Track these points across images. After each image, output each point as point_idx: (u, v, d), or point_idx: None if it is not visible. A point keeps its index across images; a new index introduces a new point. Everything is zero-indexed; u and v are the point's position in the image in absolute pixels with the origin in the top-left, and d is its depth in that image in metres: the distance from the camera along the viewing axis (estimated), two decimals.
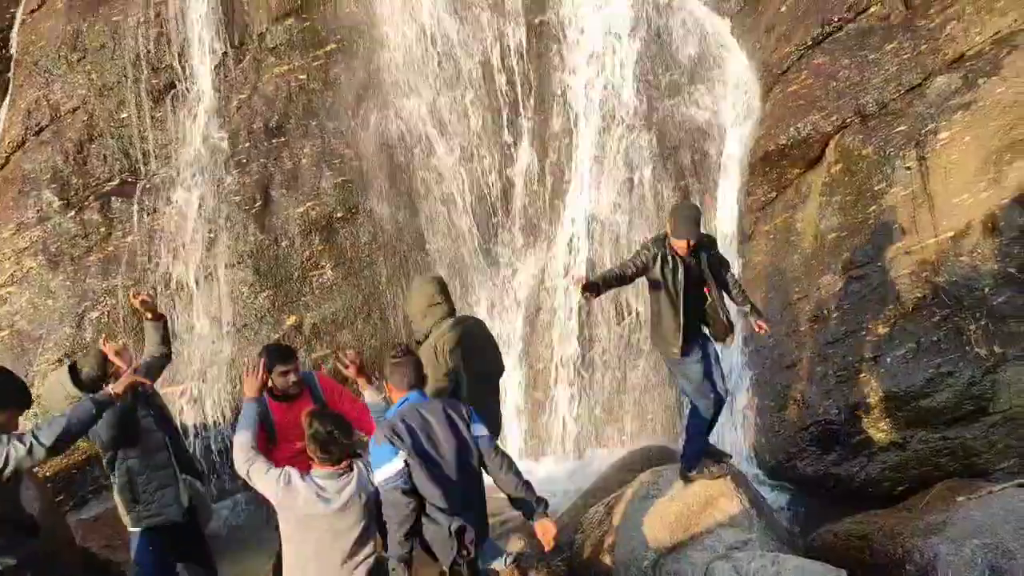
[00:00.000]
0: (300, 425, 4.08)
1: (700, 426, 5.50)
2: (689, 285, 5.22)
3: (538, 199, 8.51)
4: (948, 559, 4.68)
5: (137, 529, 4.79)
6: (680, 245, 5.14)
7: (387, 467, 3.94)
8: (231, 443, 4.18)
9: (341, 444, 3.83)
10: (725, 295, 5.48)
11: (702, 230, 5.31)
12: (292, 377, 4.88)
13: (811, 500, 6.68)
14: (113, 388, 4.13)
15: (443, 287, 5.25)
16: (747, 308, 5.53)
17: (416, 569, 4.12)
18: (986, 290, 6.01)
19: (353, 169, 8.41)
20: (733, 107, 8.07)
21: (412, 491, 3.96)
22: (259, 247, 8.12)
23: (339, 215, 8.29)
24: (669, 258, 5.17)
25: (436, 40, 8.66)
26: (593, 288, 4.96)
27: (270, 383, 4.82)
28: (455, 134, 8.63)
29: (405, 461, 3.95)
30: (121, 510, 4.79)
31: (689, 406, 5.69)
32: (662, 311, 5.30)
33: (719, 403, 5.59)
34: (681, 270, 5.18)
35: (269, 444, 4.66)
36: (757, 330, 5.50)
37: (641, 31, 8.31)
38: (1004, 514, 4.90)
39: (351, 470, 3.89)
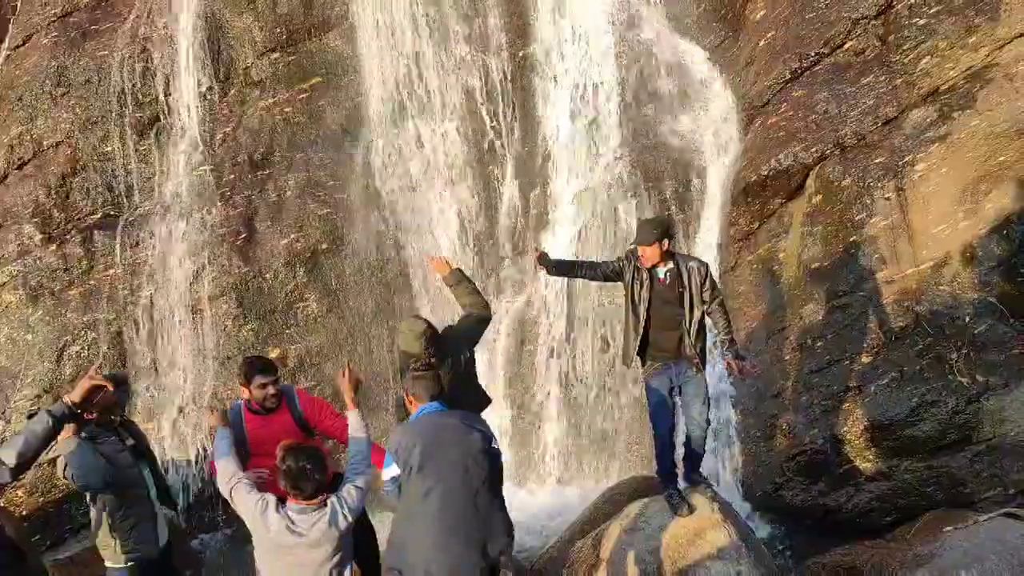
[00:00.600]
0: (277, 439, 4.18)
1: (661, 445, 5.58)
2: (657, 301, 5.31)
3: (522, 231, 8.55)
4: None
5: (115, 566, 4.70)
6: (642, 255, 5.27)
7: (390, 471, 4.09)
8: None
9: (314, 480, 3.78)
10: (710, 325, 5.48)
11: (687, 252, 5.38)
12: (271, 390, 4.89)
13: (799, 531, 6.65)
14: (69, 397, 4.05)
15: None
16: (724, 341, 5.41)
17: None
18: (967, 319, 6.08)
19: (338, 201, 8.43)
20: (715, 139, 8.18)
21: None
22: (243, 279, 8.09)
23: (324, 247, 8.28)
24: (636, 270, 5.35)
25: (420, 73, 8.74)
26: (547, 262, 5.40)
27: (248, 396, 4.85)
28: (439, 167, 8.67)
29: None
30: (99, 546, 4.71)
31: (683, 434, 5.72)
32: (627, 323, 5.45)
33: (697, 438, 5.62)
34: (647, 284, 5.30)
35: (244, 458, 4.60)
36: (726, 368, 5.47)
37: (624, 64, 8.43)
38: (991, 544, 4.91)
39: (324, 506, 3.84)
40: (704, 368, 5.50)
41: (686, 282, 5.33)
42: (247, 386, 4.90)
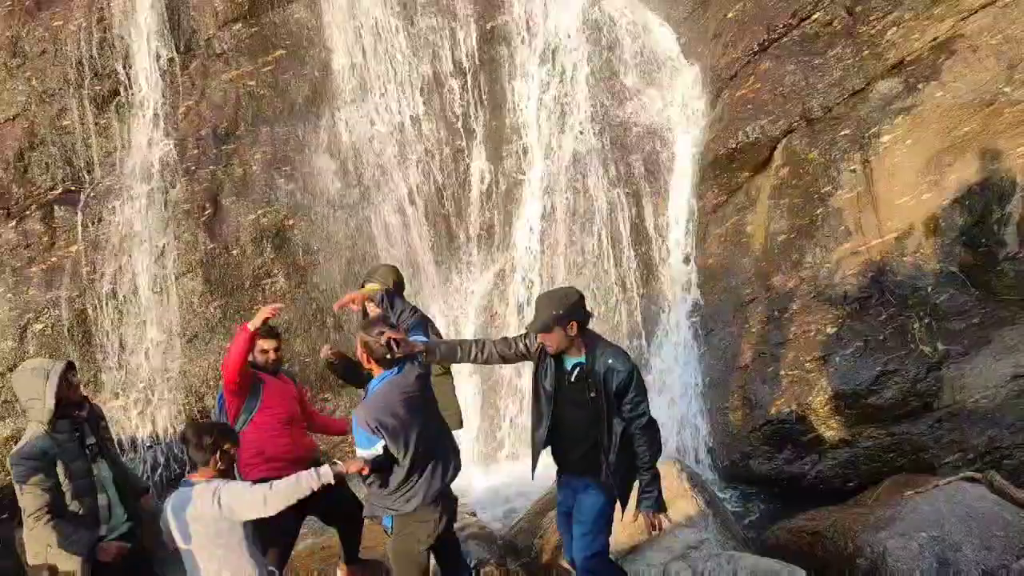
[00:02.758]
0: (287, 399, 4.92)
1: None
2: (564, 402, 4.18)
3: (492, 205, 8.51)
4: (897, 553, 4.80)
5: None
6: (543, 340, 4.11)
7: (367, 452, 4.01)
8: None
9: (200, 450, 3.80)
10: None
11: (609, 340, 4.26)
12: (271, 355, 5.02)
13: (765, 499, 6.79)
14: None
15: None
16: (643, 479, 4.17)
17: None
18: (929, 289, 6.18)
19: (304, 176, 8.32)
20: (683, 111, 8.18)
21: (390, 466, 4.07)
22: (209, 256, 7.97)
23: (290, 222, 8.18)
24: (543, 354, 4.19)
25: (387, 45, 8.62)
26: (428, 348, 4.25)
27: (251, 357, 4.91)
28: (407, 140, 8.58)
29: (384, 447, 4.00)
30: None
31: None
32: (533, 416, 4.35)
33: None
34: (551, 375, 4.17)
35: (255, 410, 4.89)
36: (647, 527, 4.28)
37: (592, 36, 8.38)
38: (951, 507, 5.04)
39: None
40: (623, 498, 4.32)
41: (600, 385, 4.05)
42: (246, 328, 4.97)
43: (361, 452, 4.06)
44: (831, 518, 5.47)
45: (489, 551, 5.52)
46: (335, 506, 4.94)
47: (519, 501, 6.94)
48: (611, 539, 4.65)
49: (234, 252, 8.04)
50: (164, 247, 7.96)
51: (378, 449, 4.03)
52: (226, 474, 3.87)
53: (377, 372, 4.21)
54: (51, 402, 4.15)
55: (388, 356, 4.08)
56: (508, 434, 7.96)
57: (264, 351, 5.00)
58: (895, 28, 6.84)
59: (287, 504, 3.80)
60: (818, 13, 7.26)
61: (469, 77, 8.58)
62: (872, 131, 6.67)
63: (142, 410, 7.76)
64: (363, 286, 5.10)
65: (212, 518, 3.73)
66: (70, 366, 4.34)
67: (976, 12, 6.50)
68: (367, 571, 5.28)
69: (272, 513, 3.78)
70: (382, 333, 4.12)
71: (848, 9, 7.16)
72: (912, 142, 6.48)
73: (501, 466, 7.82)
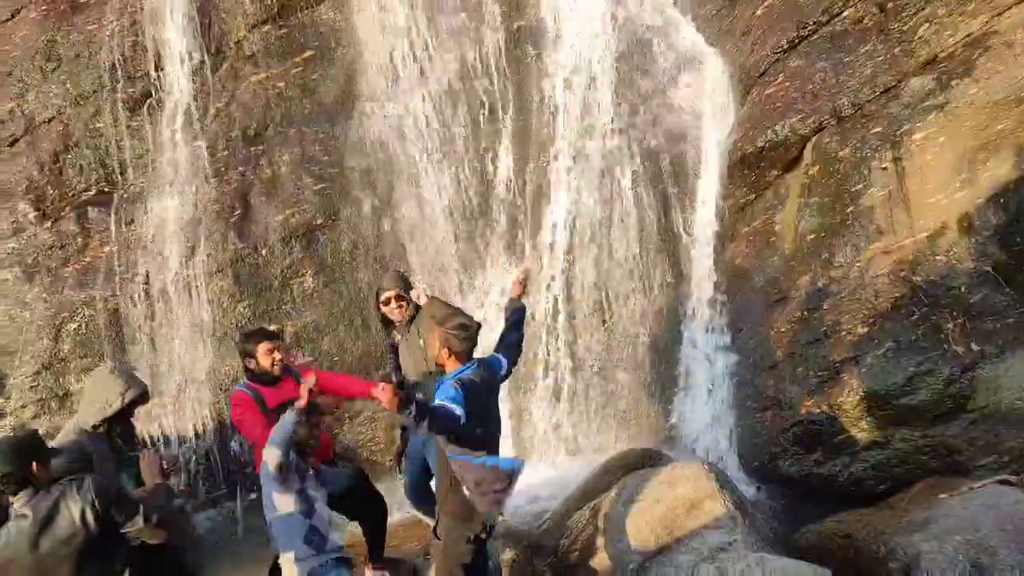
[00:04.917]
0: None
1: None
2: None
3: (519, 204, 8.52)
4: (930, 556, 4.72)
5: None
6: None
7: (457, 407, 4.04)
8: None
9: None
10: None
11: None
12: (277, 355, 4.95)
13: (795, 500, 6.70)
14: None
15: None
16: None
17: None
18: (963, 288, 6.08)
19: (332, 176, 8.39)
20: (711, 110, 8.12)
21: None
22: (239, 255, 8.07)
23: (319, 222, 8.25)
24: None
25: (414, 46, 8.65)
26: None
27: (254, 366, 4.92)
28: (434, 140, 8.62)
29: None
30: None
31: None
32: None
33: None
34: None
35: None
36: None
37: (619, 35, 8.34)
38: (985, 510, 4.95)
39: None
40: None
41: None
42: (254, 356, 4.92)
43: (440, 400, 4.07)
44: (863, 520, 5.40)
45: (516, 550, 5.52)
46: (362, 504, 4.97)
47: (547, 502, 6.93)
48: (636, 539, 4.67)
49: (263, 252, 8.12)
50: (194, 247, 8.07)
51: (455, 408, 4.00)
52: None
53: (451, 367, 4.26)
54: (110, 412, 4.26)
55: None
56: (537, 434, 7.96)
57: (269, 351, 4.92)
58: (927, 24, 6.73)
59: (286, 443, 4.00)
60: (849, 10, 7.17)
61: (496, 77, 8.59)
62: (904, 129, 6.57)
63: (173, 408, 7.87)
64: (378, 294, 5.14)
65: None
66: (145, 395, 4.49)
67: (1011, 8, 6.37)
68: (393, 571, 5.31)
69: (276, 453, 4.00)
70: (463, 326, 4.23)
71: (880, 5, 7.06)
72: (945, 140, 6.38)
73: (532, 463, 7.81)
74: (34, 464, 3.39)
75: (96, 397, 4.37)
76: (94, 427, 4.32)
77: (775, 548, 5.36)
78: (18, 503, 3.35)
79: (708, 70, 8.27)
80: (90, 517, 3.34)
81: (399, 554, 5.53)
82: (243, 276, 8.04)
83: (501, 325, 4.95)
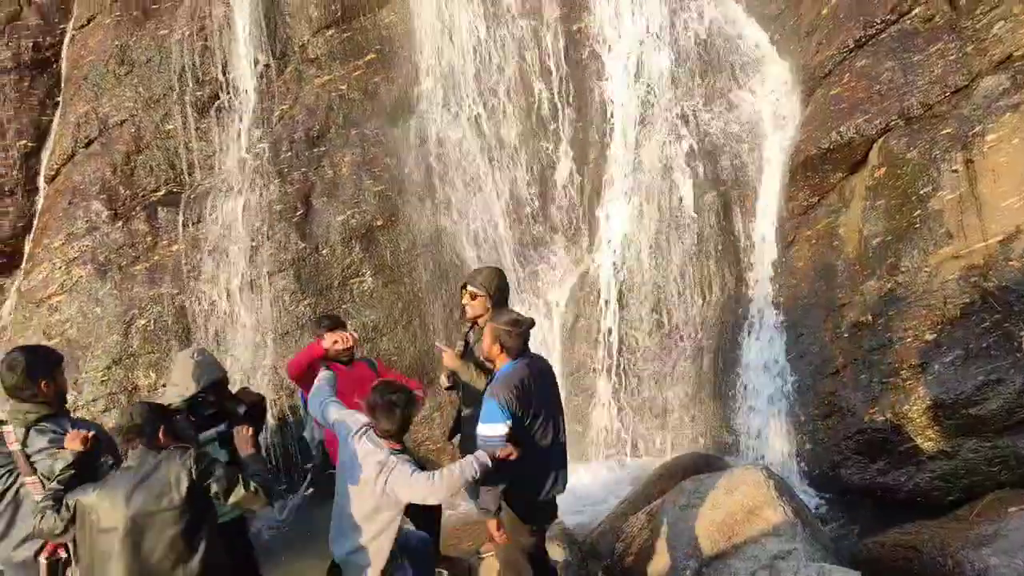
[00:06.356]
0: (356, 385, 4.71)
1: None
2: None
3: (577, 206, 8.51)
4: (1000, 571, 4.58)
5: None
6: None
7: (490, 429, 4.15)
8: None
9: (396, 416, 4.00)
10: None
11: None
12: (339, 345, 5.12)
13: (856, 509, 6.55)
14: None
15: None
16: None
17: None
18: None
19: (392, 177, 8.49)
20: (773, 111, 8.00)
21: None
22: (300, 255, 8.22)
23: (379, 223, 8.36)
24: None
25: (474, 49, 8.72)
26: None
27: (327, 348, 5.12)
28: (493, 142, 8.67)
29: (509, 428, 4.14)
30: None
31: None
32: None
33: None
34: None
35: None
36: None
37: (678, 36, 8.28)
38: None
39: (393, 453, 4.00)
40: None
41: None
42: (319, 342, 5.15)
43: (483, 429, 4.15)
44: (928, 532, 5.26)
45: (571, 553, 5.51)
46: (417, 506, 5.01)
47: (603, 505, 6.91)
48: (693, 544, 4.63)
49: (324, 252, 8.27)
50: (258, 247, 8.25)
51: (502, 429, 4.10)
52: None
53: (502, 362, 4.31)
54: (188, 395, 4.41)
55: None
56: (594, 437, 7.94)
57: (334, 341, 5.13)
58: (1002, 22, 6.53)
59: (453, 492, 4.04)
60: (919, 8, 7.00)
61: (555, 79, 8.60)
62: (976, 130, 6.37)
63: None
64: (464, 287, 5.16)
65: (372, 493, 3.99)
66: (224, 380, 4.64)
67: None
68: (450, 568, 5.34)
69: (437, 501, 4.07)
70: (516, 322, 4.32)
71: (951, 3, 6.88)
72: (1019, 141, 6.16)
73: (589, 466, 7.81)
74: (162, 427, 3.71)
75: (178, 380, 4.54)
76: (175, 408, 4.45)
77: (836, 559, 5.25)
78: (131, 457, 3.67)
79: (770, 71, 8.15)
80: (184, 482, 3.57)
81: (455, 553, 5.57)
82: (304, 275, 8.20)
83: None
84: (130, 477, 3.57)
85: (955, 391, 6.00)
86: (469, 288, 5.01)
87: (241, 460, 4.02)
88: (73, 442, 3.70)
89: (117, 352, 7.92)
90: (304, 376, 5.06)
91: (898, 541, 5.36)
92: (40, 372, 3.98)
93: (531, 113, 8.65)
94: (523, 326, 4.44)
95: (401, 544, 4.16)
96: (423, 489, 3.90)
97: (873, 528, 5.85)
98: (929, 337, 6.23)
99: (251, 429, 4.10)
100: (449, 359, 4.91)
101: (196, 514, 3.61)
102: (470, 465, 3.98)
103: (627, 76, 8.39)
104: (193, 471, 3.57)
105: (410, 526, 4.55)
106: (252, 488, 3.67)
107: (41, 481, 3.85)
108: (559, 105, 8.62)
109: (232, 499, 3.67)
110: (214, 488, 3.62)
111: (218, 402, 4.56)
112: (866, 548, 5.55)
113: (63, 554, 3.84)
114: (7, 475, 3.93)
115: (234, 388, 4.81)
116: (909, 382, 6.25)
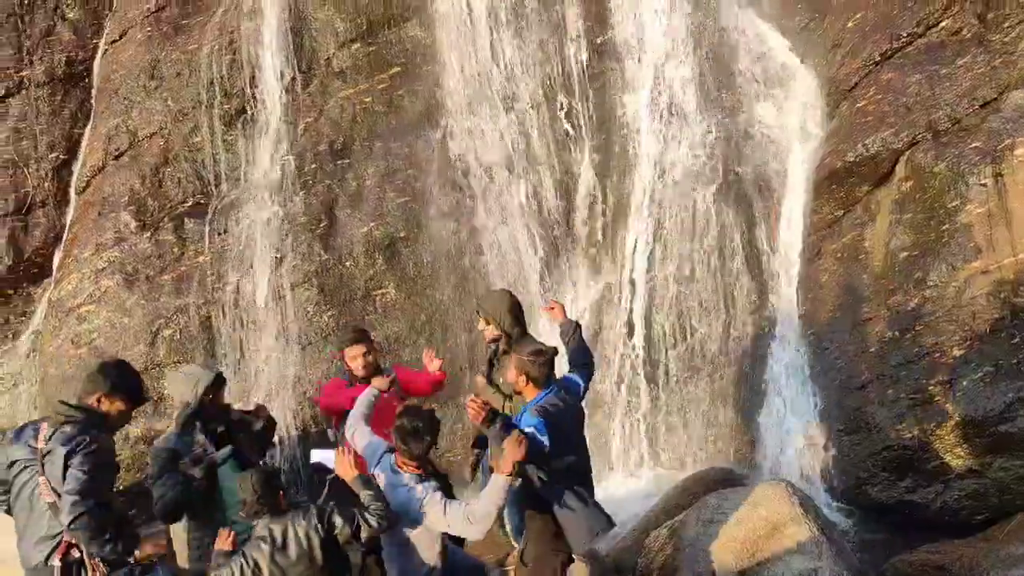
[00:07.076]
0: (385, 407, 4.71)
1: None
2: None
3: (600, 219, 8.49)
4: None
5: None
6: None
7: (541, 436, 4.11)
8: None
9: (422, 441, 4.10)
10: None
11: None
12: (359, 361, 5.16)
13: (883, 527, 6.45)
14: None
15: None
16: None
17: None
18: None
19: (416, 190, 8.53)
20: (798, 124, 7.95)
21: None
22: (324, 267, 8.28)
23: (402, 235, 8.40)
24: None
25: (498, 62, 8.76)
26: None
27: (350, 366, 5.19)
28: (517, 155, 8.68)
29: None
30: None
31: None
32: None
33: None
34: None
35: None
36: None
37: (703, 49, 8.27)
38: None
39: (420, 480, 4.11)
40: None
41: None
42: (342, 357, 5.13)
43: (531, 430, 4.10)
44: (957, 552, 5.17)
45: (593, 567, 5.48)
46: None
47: (624, 519, 6.85)
48: (716, 560, 4.59)
49: (347, 263, 8.31)
50: (282, 258, 8.32)
51: (546, 441, 4.06)
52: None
53: (530, 395, 4.30)
54: (193, 409, 4.42)
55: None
56: (615, 450, 7.89)
57: (352, 358, 5.12)
58: None
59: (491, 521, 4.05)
60: (946, 21, 6.94)
61: (579, 92, 8.61)
62: (1005, 143, 6.29)
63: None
64: (478, 313, 5.16)
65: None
66: (218, 379, 4.62)
67: None
68: None
69: (479, 536, 4.10)
70: (539, 351, 4.34)
71: (979, 16, 6.81)
72: None
73: (611, 480, 7.76)
74: (281, 493, 3.95)
75: (180, 394, 4.56)
76: (182, 426, 4.46)
77: None
78: (259, 527, 3.90)
79: (796, 83, 8.11)
80: (315, 540, 3.82)
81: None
82: (328, 287, 8.24)
83: (562, 350, 4.94)
84: (267, 548, 3.80)
85: (984, 408, 5.91)
86: (480, 313, 5.03)
87: (266, 469, 4.20)
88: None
89: (143, 362, 7.99)
90: (333, 413, 5.08)
91: (926, 561, 5.28)
92: (100, 386, 4.03)
93: (554, 125, 8.67)
94: (547, 355, 4.44)
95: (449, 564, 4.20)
96: (457, 528, 4.01)
97: (900, 547, 5.76)
98: (957, 353, 6.14)
99: (351, 452, 4.21)
100: (480, 387, 4.98)
101: (336, 566, 3.90)
102: (502, 486, 3.96)
103: (650, 88, 8.38)
104: (319, 528, 3.82)
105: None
106: (375, 524, 3.85)
107: (48, 483, 3.87)
108: (583, 118, 8.63)
109: (364, 535, 3.89)
110: (344, 536, 3.86)
111: (218, 402, 4.59)
112: (893, 567, 5.46)
113: (76, 554, 3.87)
114: (31, 473, 3.96)
115: (258, 399, 4.86)
116: (937, 398, 6.16)
